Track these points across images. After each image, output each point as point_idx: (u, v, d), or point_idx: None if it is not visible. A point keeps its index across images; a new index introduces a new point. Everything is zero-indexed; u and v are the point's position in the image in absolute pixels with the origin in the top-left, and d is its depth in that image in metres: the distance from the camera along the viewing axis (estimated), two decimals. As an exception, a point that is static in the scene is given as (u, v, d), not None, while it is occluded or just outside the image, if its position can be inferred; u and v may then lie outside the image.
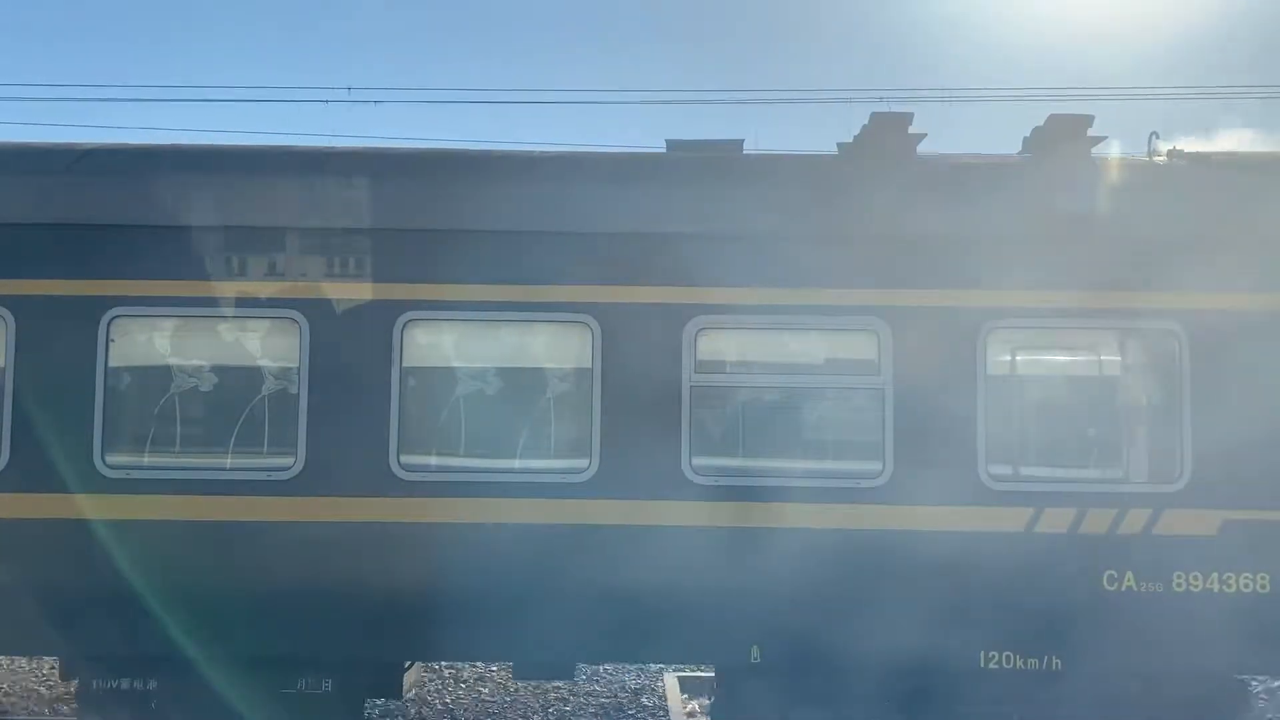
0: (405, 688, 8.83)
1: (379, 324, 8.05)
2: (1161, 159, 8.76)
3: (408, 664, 8.75)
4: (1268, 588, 7.97)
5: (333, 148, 8.78)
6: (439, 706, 10.76)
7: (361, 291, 8.09)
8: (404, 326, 8.06)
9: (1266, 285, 8.12)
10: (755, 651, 8.03)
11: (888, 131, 8.75)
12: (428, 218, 8.20)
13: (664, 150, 9.09)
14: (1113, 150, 9.07)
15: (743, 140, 9.19)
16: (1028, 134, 9.12)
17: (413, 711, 10.62)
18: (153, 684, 8.11)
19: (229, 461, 8.14)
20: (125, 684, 8.10)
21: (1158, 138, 8.89)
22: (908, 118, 8.78)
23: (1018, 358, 8.27)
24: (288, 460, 8.01)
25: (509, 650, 8.44)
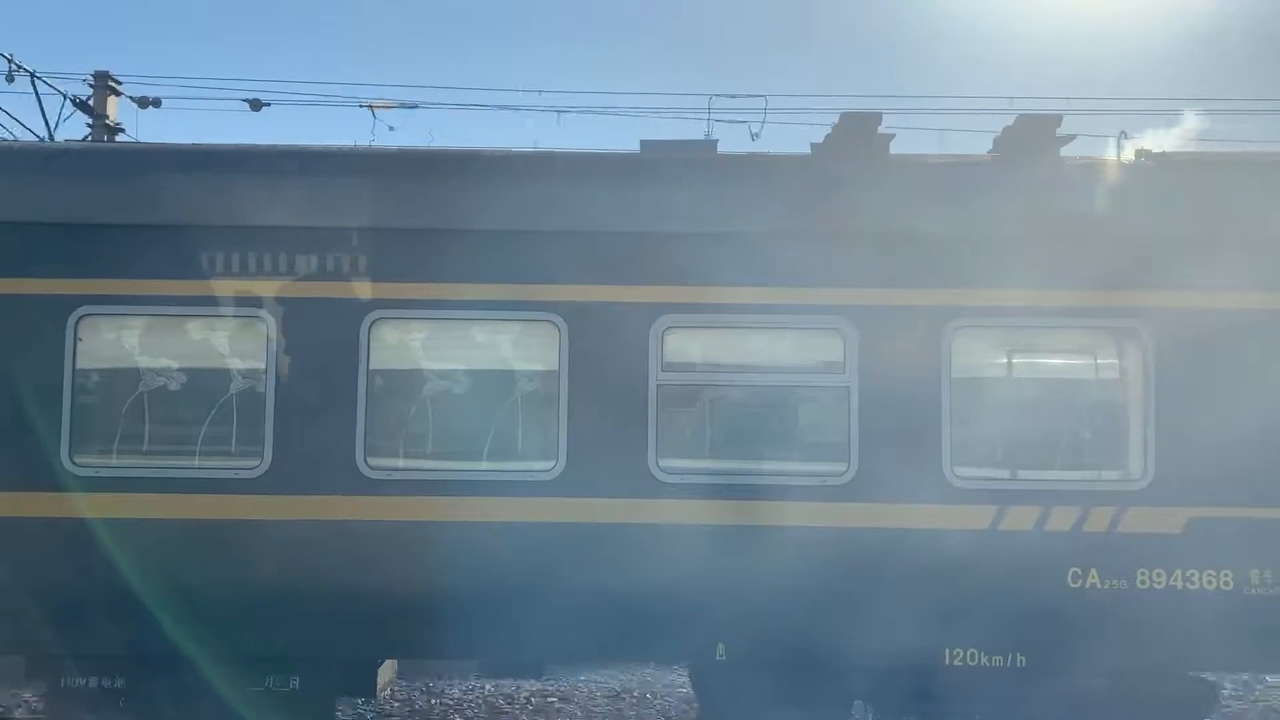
0: (380, 686, 8.83)
1: (346, 323, 8.07)
2: (1129, 159, 8.78)
3: (380, 661, 8.77)
4: (1231, 585, 8.00)
5: (298, 146, 8.75)
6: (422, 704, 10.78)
7: (328, 290, 8.10)
8: (371, 325, 8.08)
9: (1231, 284, 8.13)
10: (720, 649, 8.05)
11: (858, 132, 8.77)
12: (395, 217, 8.21)
13: (637, 151, 9.12)
14: (1082, 151, 9.10)
15: (716, 141, 9.24)
16: (997, 134, 9.15)
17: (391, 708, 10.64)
18: (120, 682, 8.12)
19: (197, 460, 8.15)
20: (92, 683, 8.12)
21: (1126, 137, 8.92)
22: (877, 118, 8.78)
23: (983, 357, 8.30)
24: (255, 459, 8.02)
25: (476, 648, 8.46)
